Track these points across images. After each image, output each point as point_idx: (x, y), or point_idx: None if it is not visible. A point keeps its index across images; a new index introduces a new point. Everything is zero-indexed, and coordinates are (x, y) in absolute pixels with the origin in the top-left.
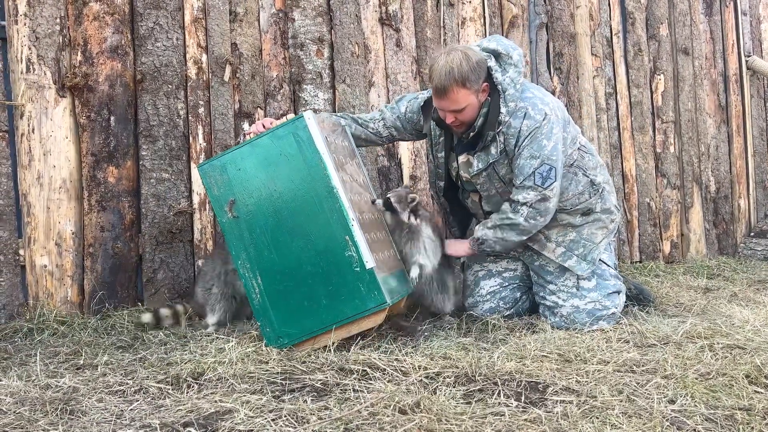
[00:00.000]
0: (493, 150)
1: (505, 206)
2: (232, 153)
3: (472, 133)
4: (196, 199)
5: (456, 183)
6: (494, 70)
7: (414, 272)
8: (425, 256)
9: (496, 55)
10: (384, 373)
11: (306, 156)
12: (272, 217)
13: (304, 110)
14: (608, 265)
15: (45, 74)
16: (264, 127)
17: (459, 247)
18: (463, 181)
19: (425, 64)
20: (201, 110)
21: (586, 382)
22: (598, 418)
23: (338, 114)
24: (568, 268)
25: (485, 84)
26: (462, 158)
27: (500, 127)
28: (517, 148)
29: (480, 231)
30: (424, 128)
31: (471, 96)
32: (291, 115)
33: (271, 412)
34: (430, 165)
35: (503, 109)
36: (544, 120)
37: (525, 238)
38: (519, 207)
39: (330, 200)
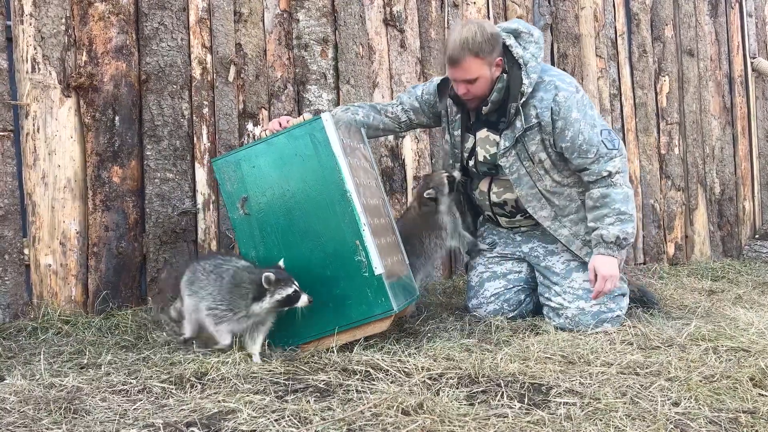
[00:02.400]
0: (518, 124)
1: (600, 190)
2: (247, 150)
3: (484, 107)
4: (200, 199)
5: (467, 168)
6: (514, 47)
7: None
8: None
9: (516, 34)
10: (387, 374)
11: (321, 158)
12: (284, 216)
13: (308, 110)
14: None
15: (50, 74)
16: (280, 125)
17: (612, 265)
18: (478, 161)
19: (429, 64)
20: (205, 110)
21: (589, 384)
22: (601, 420)
23: (357, 103)
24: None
25: (499, 59)
26: (481, 134)
27: (523, 99)
28: (563, 121)
29: (611, 230)
30: (440, 106)
31: (484, 67)
32: (308, 115)
33: (274, 412)
34: (445, 146)
35: (525, 81)
36: (577, 92)
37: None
38: (613, 178)
39: (343, 204)
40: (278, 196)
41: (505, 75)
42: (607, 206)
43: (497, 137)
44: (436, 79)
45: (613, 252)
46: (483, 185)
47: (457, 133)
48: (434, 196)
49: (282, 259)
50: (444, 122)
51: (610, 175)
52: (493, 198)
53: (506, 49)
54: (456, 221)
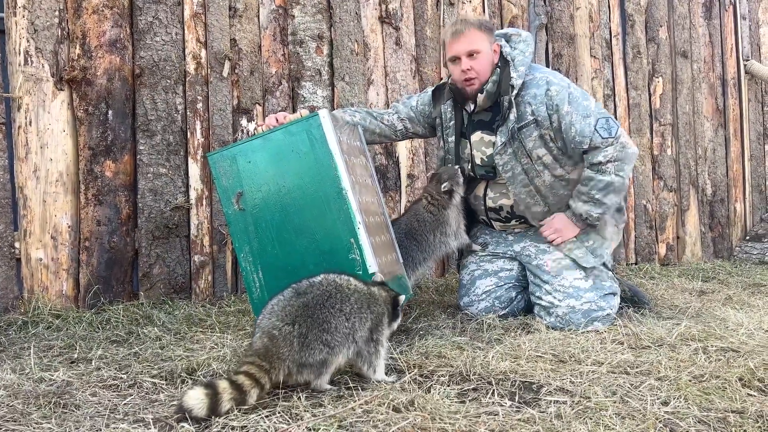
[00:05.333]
0: (511, 117)
1: (589, 173)
2: (243, 145)
3: (480, 95)
4: (193, 194)
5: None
6: (504, 47)
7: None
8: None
9: (507, 37)
10: None
11: (318, 155)
12: (279, 212)
13: (302, 107)
14: (606, 267)
15: (43, 67)
16: (277, 121)
17: (570, 230)
18: (475, 164)
19: (425, 62)
20: (199, 105)
21: (580, 382)
22: (591, 418)
23: (353, 108)
24: (573, 259)
25: (496, 44)
26: (475, 137)
27: (514, 91)
28: (557, 115)
29: (581, 207)
30: (434, 113)
31: (485, 41)
32: (305, 112)
33: (265, 408)
34: (439, 153)
35: (513, 74)
36: (569, 87)
37: (624, 193)
38: (603, 167)
39: (338, 201)
40: (274, 192)
41: (498, 69)
42: (586, 186)
43: (492, 137)
44: (431, 89)
45: (576, 221)
46: (478, 190)
47: (452, 139)
48: (450, 189)
49: (279, 256)
50: (439, 130)
51: (600, 163)
52: (489, 203)
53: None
54: (460, 220)
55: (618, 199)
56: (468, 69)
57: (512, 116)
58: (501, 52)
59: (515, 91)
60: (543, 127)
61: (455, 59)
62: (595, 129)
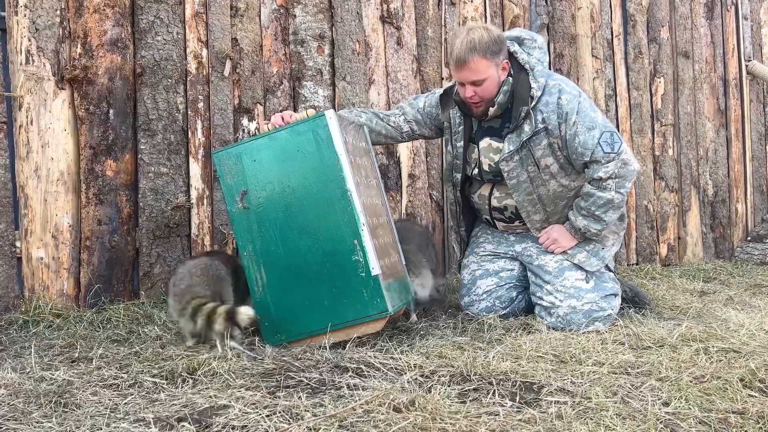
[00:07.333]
0: (526, 128)
1: (589, 188)
2: (249, 143)
3: (491, 108)
4: (194, 194)
5: (469, 176)
6: (519, 53)
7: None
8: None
9: (520, 41)
10: (379, 371)
11: (323, 155)
12: (282, 212)
13: (304, 107)
14: (607, 268)
15: (44, 66)
16: (283, 120)
17: (567, 241)
18: (483, 170)
19: (426, 62)
20: (200, 105)
21: (580, 383)
22: (592, 419)
23: (359, 108)
24: (577, 264)
25: (505, 61)
26: (483, 143)
27: (533, 102)
28: (565, 124)
29: (580, 221)
30: (442, 117)
31: (491, 68)
32: (312, 111)
33: (265, 408)
34: (447, 157)
35: (534, 84)
36: (579, 95)
37: (623, 209)
38: (604, 183)
39: (343, 202)
40: (278, 191)
41: (510, 78)
42: (586, 202)
43: (500, 144)
44: (438, 91)
45: (574, 234)
46: (484, 190)
47: (460, 144)
48: None
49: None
50: (447, 134)
51: (601, 179)
52: (494, 203)
53: (511, 56)
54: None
55: (617, 215)
56: (472, 95)
57: (527, 127)
58: (516, 59)
59: (534, 103)
60: (552, 135)
61: (460, 83)
62: (599, 142)
